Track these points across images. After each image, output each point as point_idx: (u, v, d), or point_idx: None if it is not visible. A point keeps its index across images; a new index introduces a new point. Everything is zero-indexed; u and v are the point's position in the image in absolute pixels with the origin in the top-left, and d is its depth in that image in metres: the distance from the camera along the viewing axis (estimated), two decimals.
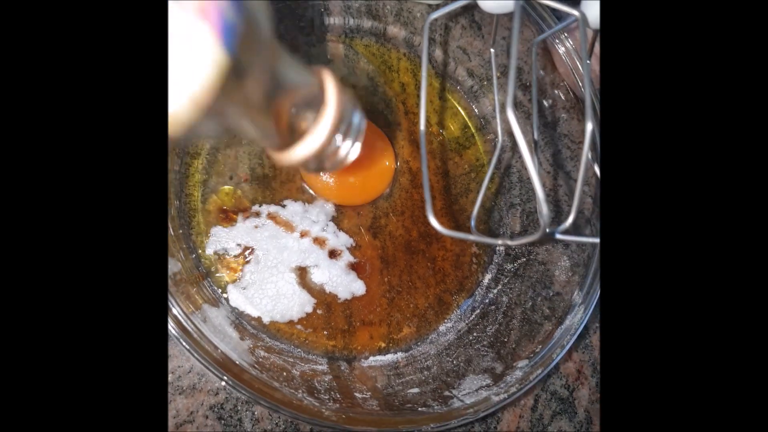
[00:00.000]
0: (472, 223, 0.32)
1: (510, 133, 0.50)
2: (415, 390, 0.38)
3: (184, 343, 0.30)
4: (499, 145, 0.36)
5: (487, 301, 0.46)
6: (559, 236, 0.29)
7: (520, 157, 0.50)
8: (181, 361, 0.40)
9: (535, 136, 0.36)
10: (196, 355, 0.29)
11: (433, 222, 0.26)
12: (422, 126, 0.29)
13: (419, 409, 0.34)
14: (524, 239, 0.26)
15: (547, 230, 0.27)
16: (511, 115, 0.23)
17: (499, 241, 0.28)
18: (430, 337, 0.45)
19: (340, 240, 0.44)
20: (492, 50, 0.36)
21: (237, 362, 0.31)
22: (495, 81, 0.35)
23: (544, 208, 0.23)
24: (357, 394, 0.36)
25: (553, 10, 0.39)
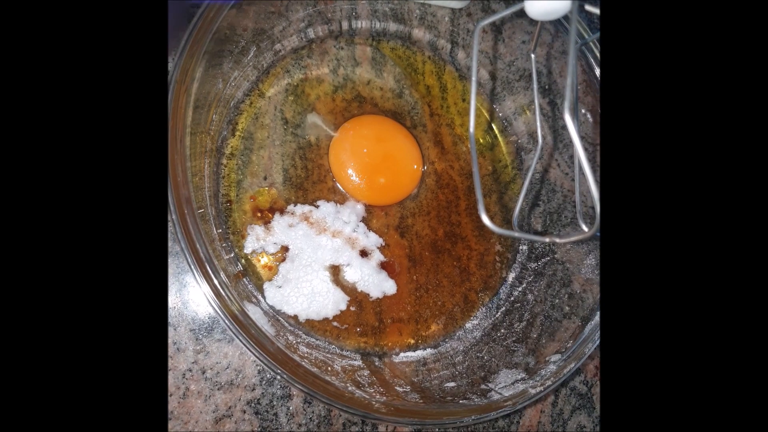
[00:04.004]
0: (515, 221, 0.33)
1: (531, 135, 0.51)
2: (452, 384, 0.39)
3: (242, 339, 0.30)
4: (539, 146, 0.37)
5: (512, 299, 0.47)
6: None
7: (541, 158, 0.52)
8: (218, 357, 0.41)
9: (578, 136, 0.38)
10: (254, 351, 0.30)
11: (486, 221, 0.27)
12: (472, 128, 0.30)
13: (460, 401, 0.35)
14: (574, 237, 0.27)
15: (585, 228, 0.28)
16: (568, 118, 0.24)
17: (547, 239, 0.29)
18: (457, 334, 0.46)
19: (371, 240, 0.45)
20: (533, 55, 0.37)
21: (291, 356, 0.32)
22: (535, 85, 0.37)
23: (599, 208, 0.24)
24: (398, 388, 0.37)
25: (581, 16, 0.41)
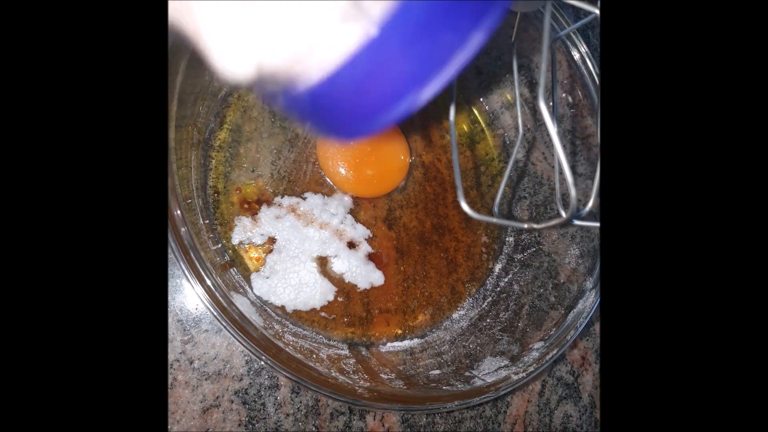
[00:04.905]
0: (495, 208, 0.34)
1: (518, 129, 0.52)
2: (437, 371, 0.39)
3: (224, 324, 0.31)
4: (520, 136, 0.37)
5: (498, 289, 0.48)
6: (576, 222, 0.30)
7: (528, 151, 0.52)
8: (206, 348, 0.41)
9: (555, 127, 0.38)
10: (237, 336, 0.31)
11: (464, 206, 0.28)
12: (452, 116, 0.30)
13: (444, 387, 0.36)
14: (550, 223, 0.28)
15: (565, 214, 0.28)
16: (542, 104, 0.24)
17: (525, 225, 0.30)
18: (444, 324, 0.47)
19: (358, 231, 0.45)
20: (514, 43, 0.37)
21: (275, 343, 0.32)
22: (516, 75, 0.37)
23: (572, 191, 0.25)
24: (383, 375, 0.37)
25: (565, 8, 0.41)
